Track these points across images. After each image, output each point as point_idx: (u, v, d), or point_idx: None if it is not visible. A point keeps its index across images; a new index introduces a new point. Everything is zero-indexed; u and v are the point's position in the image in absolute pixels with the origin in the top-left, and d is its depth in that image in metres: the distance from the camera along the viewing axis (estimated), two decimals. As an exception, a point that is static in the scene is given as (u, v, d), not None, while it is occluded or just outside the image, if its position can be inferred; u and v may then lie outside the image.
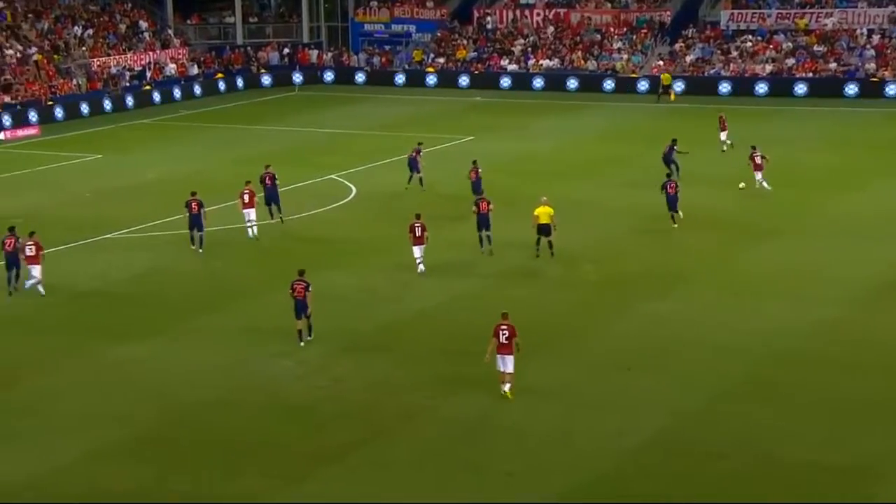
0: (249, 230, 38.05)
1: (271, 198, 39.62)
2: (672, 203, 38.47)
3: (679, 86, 70.19)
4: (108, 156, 54.00)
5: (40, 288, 32.81)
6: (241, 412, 24.77)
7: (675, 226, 38.36)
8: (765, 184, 43.03)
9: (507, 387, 25.02)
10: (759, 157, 43.28)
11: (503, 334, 24.98)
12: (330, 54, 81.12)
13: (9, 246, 33.11)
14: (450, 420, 24.13)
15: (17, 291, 32.97)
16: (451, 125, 61.07)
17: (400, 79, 76.77)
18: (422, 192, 44.21)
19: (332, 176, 48.30)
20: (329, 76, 78.69)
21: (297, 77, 77.56)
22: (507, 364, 24.96)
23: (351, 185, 46.18)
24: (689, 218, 39.64)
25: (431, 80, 75.96)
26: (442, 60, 77.90)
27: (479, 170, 41.90)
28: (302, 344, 28.35)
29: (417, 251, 33.81)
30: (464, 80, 75.14)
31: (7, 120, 61.38)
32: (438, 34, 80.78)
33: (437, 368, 26.91)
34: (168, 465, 22.32)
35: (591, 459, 22.28)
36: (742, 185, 42.90)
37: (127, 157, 53.65)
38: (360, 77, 77.89)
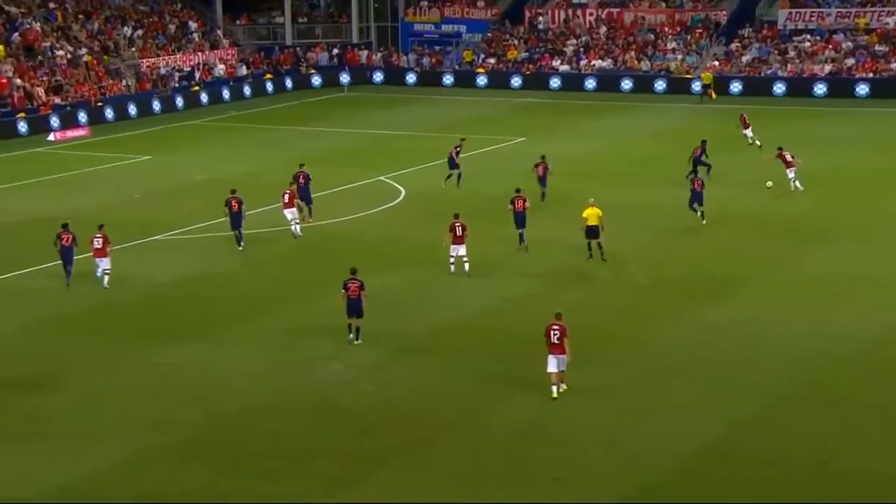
0: (293, 228, 38.45)
1: (304, 197, 40.00)
2: (696, 198, 38.76)
3: (735, 86, 69.69)
4: (157, 157, 54.44)
5: (105, 280, 33.63)
6: (289, 416, 24.82)
7: (704, 222, 38.73)
8: (797, 183, 42.72)
9: (562, 387, 25.07)
10: (789, 156, 43.05)
11: (555, 334, 24.95)
12: (379, 55, 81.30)
13: (65, 241, 33.89)
14: (499, 425, 24.05)
15: (70, 287, 33.55)
16: (501, 126, 61.00)
17: (450, 79, 76.81)
18: (458, 188, 44.29)
19: (381, 177, 48.38)
20: (378, 77, 78.85)
21: (347, 78, 77.82)
22: (559, 364, 24.95)
23: (400, 187, 46.23)
24: (739, 220, 39.34)
25: (482, 80, 75.93)
26: (493, 61, 77.85)
27: (548, 165, 42.21)
28: (351, 336, 28.49)
29: (456, 250, 34.02)
30: (515, 81, 75.04)
31: (57, 121, 62.04)
32: (489, 34, 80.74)
33: (485, 372, 26.83)
34: (214, 470, 22.40)
35: (642, 466, 22.11)
36: (769, 183, 42.62)
37: (176, 158, 54.06)
38: (409, 78, 77.99)
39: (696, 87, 70.16)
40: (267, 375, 27.07)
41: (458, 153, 45.56)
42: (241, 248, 37.06)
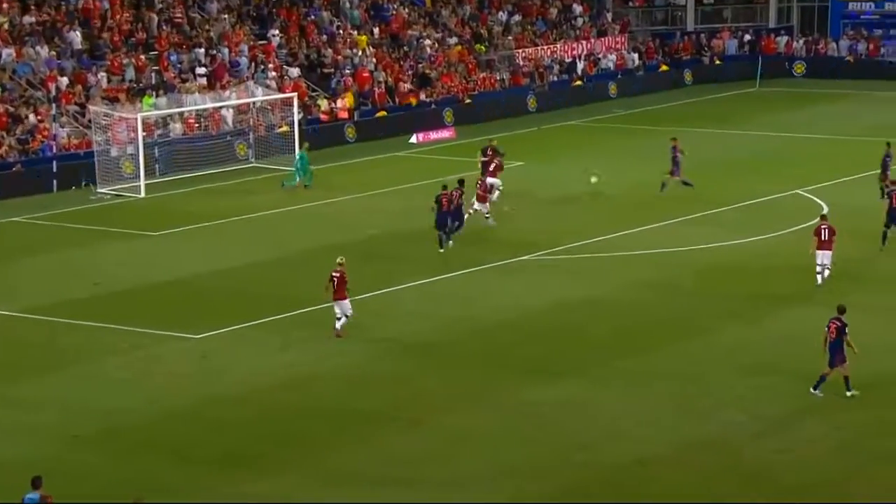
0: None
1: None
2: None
3: None
4: (529, 163, 55.24)
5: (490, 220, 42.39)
6: (688, 471, 24.91)
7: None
8: None
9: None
10: None
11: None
12: (801, 41, 79.90)
13: (444, 205, 40.04)
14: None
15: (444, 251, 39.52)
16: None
17: (890, 71, 74.49)
18: None
19: (798, 190, 47.62)
20: (799, 68, 77.59)
21: (759, 69, 76.91)
22: None
23: (821, 202, 45.33)
24: None
25: (931, 71, 73.32)
26: (946, 47, 74.92)
27: None
28: (851, 394, 27.94)
29: (821, 257, 35.54)
30: (976, 72, 71.90)
31: (419, 121, 64.22)
32: (943, 15, 77.73)
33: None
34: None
35: None
36: None
37: (551, 166, 54.83)
38: (839, 69, 76.26)
39: None
40: (660, 422, 27.24)
41: None
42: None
